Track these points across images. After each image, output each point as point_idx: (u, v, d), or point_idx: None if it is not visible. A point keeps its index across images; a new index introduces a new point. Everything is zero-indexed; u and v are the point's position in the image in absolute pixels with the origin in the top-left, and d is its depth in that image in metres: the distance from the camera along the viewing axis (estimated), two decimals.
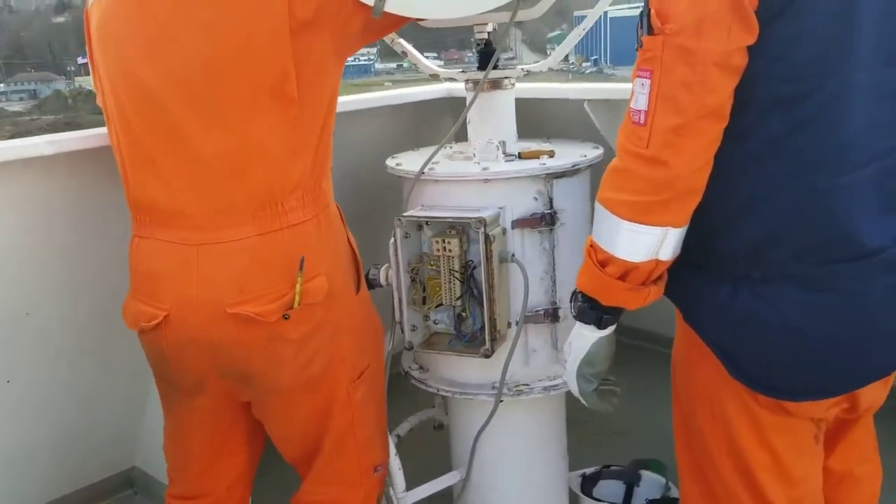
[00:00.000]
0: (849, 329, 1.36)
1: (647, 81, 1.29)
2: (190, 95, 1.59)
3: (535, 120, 2.33)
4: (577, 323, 1.52)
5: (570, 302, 1.53)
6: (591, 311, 1.48)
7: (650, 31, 1.28)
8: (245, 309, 1.60)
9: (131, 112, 1.65)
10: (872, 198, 1.33)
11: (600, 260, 1.41)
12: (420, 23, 1.90)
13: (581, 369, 1.53)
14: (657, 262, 1.38)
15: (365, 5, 1.65)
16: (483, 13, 1.83)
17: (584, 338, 1.52)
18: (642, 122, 1.30)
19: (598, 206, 1.41)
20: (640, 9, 1.31)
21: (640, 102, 1.30)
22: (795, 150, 1.31)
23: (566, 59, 2.36)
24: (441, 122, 2.87)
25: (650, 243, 1.35)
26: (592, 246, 1.43)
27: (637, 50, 1.32)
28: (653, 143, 1.29)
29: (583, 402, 1.59)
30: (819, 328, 1.36)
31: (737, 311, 1.40)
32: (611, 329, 1.51)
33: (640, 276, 1.40)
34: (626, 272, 1.39)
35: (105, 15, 1.67)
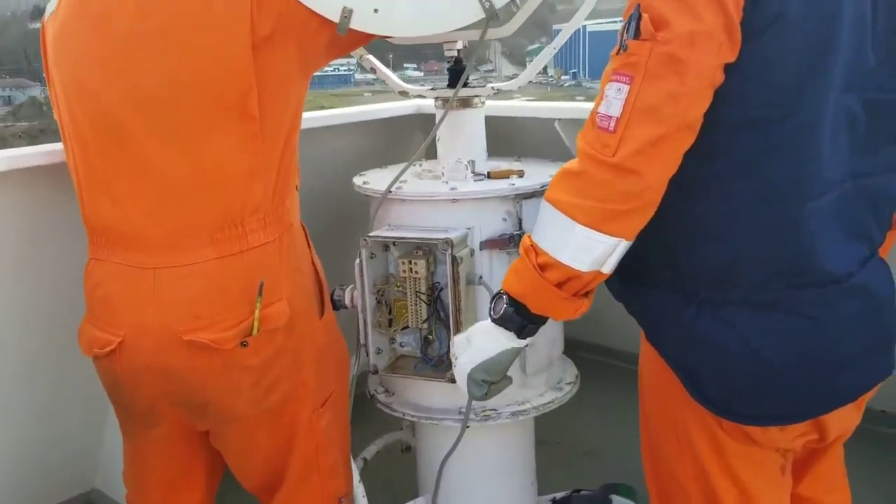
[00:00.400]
0: (814, 354, 1.34)
1: (626, 87, 1.23)
2: (147, 113, 1.54)
3: (506, 138, 2.30)
4: (492, 325, 1.43)
5: (491, 303, 1.45)
6: (516, 316, 1.39)
7: (637, 36, 1.23)
8: (200, 336, 1.54)
9: (86, 129, 1.60)
10: (835, 223, 1.32)
11: (540, 263, 1.34)
12: (389, 40, 1.87)
13: (475, 374, 1.46)
14: (598, 273, 1.33)
15: (330, 21, 1.61)
16: (452, 31, 1.80)
17: (495, 343, 1.43)
18: (612, 128, 1.24)
19: (545, 206, 1.34)
20: (632, 11, 1.25)
21: (614, 108, 1.24)
22: (765, 173, 1.28)
23: (545, 71, 2.33)
24: (411, 138, 2.84)
25: (600, 253, 1.30)
26: (533, 247, 1.35)
27: (615, 54, 1.27)
28: (622, 152, 1.23)
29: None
30: (784, 353, 1.33)
31: (700, 334, 1.37)
32: (527, 342, 1.44)
33: (579, 286, 1.34)
34: (567, 279, 1.33)
35: (61, 28, 1.62)
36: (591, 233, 1.29)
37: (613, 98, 1.25)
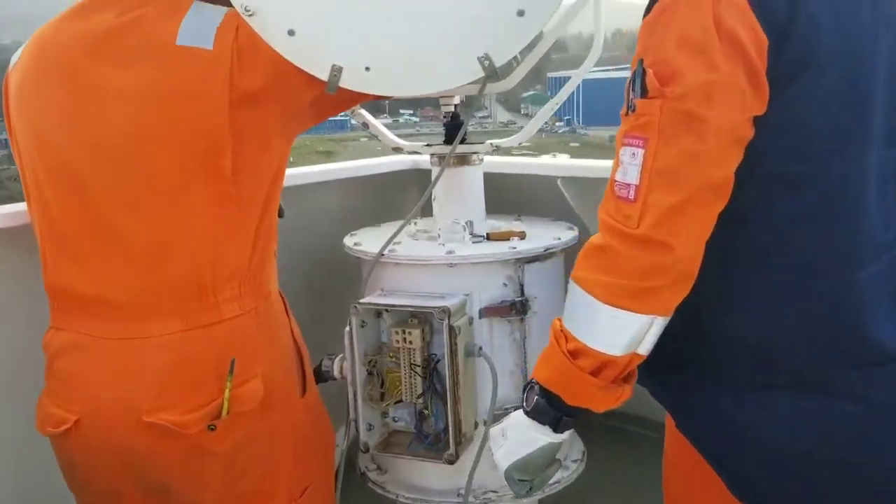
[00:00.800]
0: (873, 445, 1.19)
1: (641, 151, 1.13)
2: (112, 170, 1.44)
3: (506, 195, 2.20)
4: (526, 418, 1.30)
5: (523, 393, 1.32)
6: (548, 408, 1.26)
7: (644, 94, 1.13)
8: (162, 417, 1.40)
9: (48, 187, 1.49)
10: (886, 294, 1.19)
11: (571, 350, 1.21)
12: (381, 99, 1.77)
13: (510, 473, 1.33)
14: (635, 355, 1.20)
15: (318, 80, 1.51)
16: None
17: (530, 438, 1.29)
18: (632, 197, 1.13)
19: (572, 286, 1.22)
20: (636, 67, 1.15)
21: (631, 175, 1.14)
22: (804, 238, 1.17)
23: None
24: (407, 194, 2.73)
25: (634, 333, 1.17)
26: (563, 332, 1.24)
27: (625, 115, 1.16)
28: (646, 223, 1.12)
29: None
30: (837, 443, 1.19)
31: (741, 423, 1.22)
32: (566, 436, 1.30)
33: (616, 372, 1.21)
34: (602, 366, 1.20)
35: (23, 79, 1.52)
36: (620, 312, 1.16)
37: (629, 164, 1.14)
